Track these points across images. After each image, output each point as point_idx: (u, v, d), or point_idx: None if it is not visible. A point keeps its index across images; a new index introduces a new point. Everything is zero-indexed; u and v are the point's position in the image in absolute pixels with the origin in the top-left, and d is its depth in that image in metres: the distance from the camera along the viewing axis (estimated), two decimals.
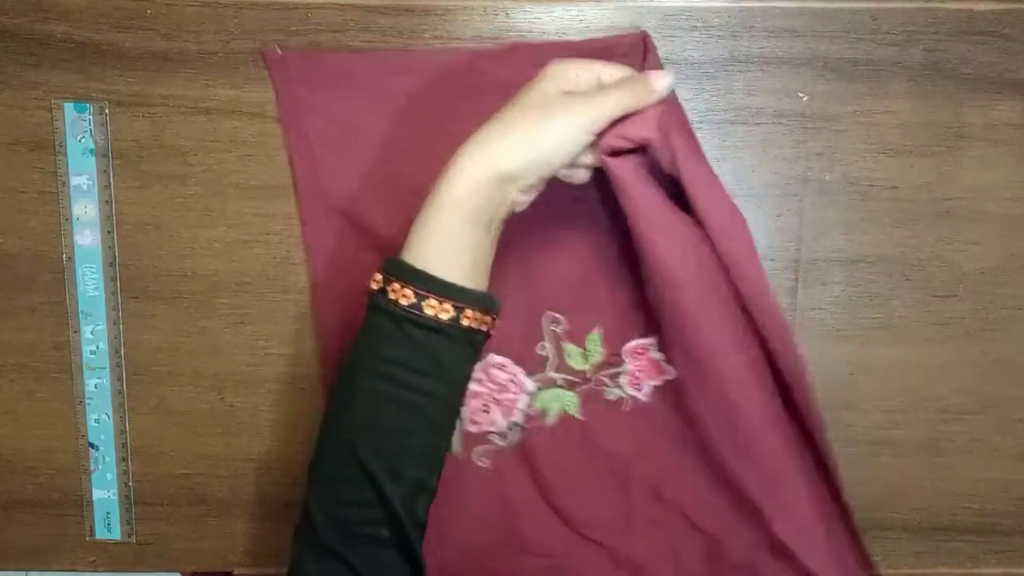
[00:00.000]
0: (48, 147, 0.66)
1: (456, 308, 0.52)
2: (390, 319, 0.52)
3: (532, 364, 0.66)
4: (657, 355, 0.66)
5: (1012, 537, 0.69)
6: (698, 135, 0.63)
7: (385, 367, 0.52)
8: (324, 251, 0.66)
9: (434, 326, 0.52)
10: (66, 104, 0.65)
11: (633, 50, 0.63)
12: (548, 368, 0.66)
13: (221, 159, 0.66)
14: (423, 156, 0.61)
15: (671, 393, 0.65)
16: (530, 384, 0.66)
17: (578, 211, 0.64)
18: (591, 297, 0.65)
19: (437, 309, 0.51)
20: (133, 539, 0.71)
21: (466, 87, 0.63)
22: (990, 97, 0.63)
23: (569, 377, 0.66)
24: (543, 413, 0.67)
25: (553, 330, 0.66)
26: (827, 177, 0.65)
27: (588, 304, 0.65)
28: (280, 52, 0.63)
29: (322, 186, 0.65)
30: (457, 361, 0.54)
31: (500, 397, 0.67)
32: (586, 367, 0.66)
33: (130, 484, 0.70)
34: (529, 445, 0.66)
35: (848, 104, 0.64)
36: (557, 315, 0.66)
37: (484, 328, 0.54)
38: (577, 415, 0.67)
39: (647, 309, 0.64)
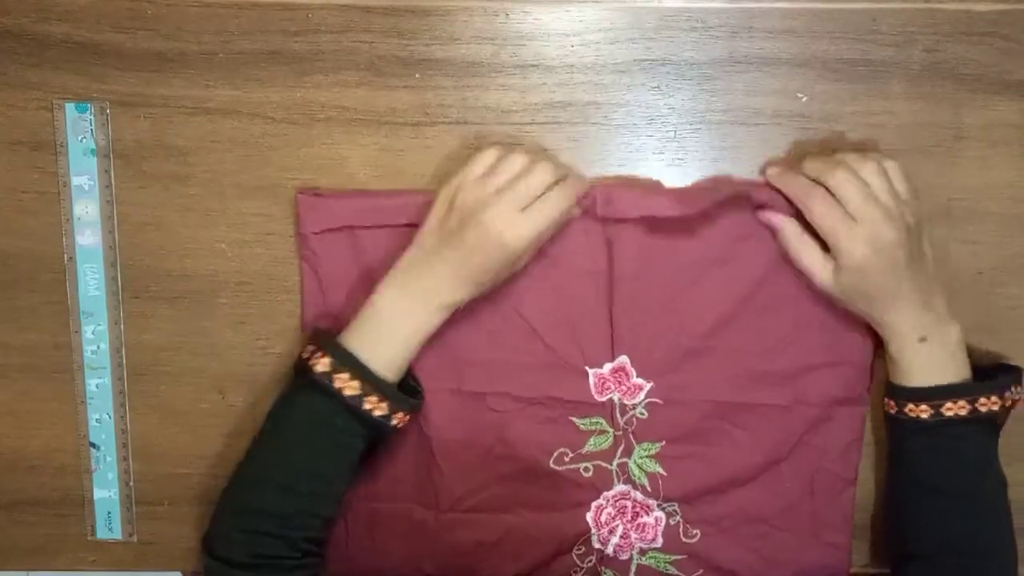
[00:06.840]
0: (49, 147, 0.66)
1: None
2: None
3: None
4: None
5: None
6: (697, 136, 0.64)
7: None
8: None
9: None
10: (67, 104, 0.65)
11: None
12: None
13: (222, 159, 0.66)
14: None
15: None
16: None
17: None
18: None
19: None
20: (134, 539, 0.72)
21: None
22: (989, 98, 0.63)
23: None
24: None
25: None
26: None
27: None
28: (312, 196, 0.64)
29: (328, 318, 0.66)
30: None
31: None
32: None
33: (131, 484, 0.70)
34: None
35: (847, 105, 0.64)
36: None
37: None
38: None
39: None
